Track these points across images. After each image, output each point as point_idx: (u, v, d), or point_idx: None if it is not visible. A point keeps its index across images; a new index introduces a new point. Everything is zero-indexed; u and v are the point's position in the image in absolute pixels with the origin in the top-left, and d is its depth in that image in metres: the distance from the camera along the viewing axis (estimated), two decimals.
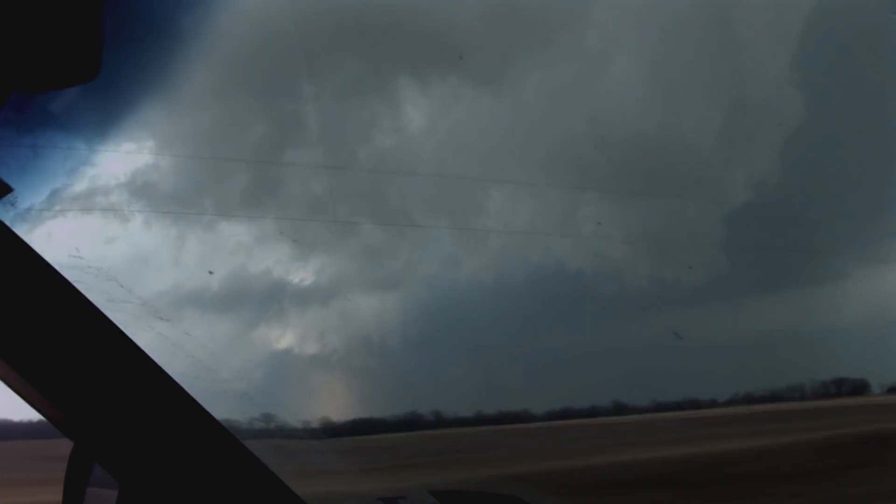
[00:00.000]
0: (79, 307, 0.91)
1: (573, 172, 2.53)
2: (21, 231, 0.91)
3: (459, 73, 2.19)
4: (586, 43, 2.46)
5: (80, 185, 1.28)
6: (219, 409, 1.00)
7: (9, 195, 0.96)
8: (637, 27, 2.39)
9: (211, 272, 2.21)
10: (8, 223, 0.91)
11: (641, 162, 2.52)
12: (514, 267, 2.66)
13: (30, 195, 1.05)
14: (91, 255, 1.09)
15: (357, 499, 1.45)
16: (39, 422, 0.93)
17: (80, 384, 0.90)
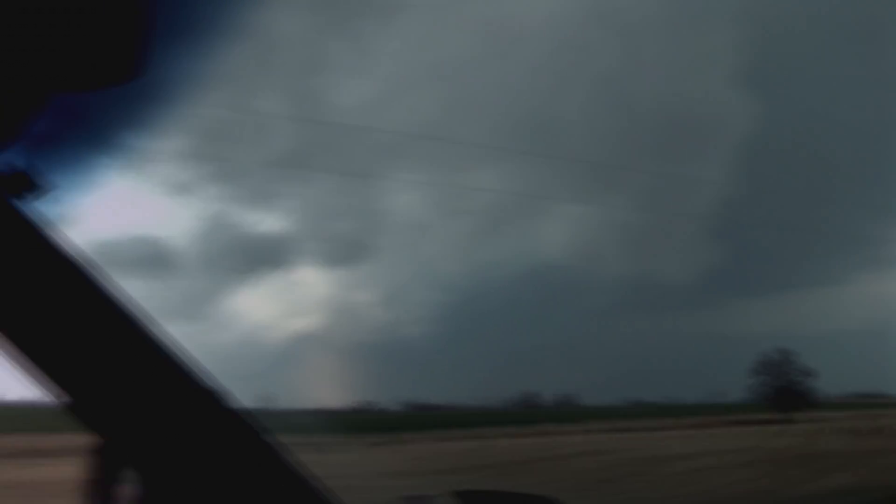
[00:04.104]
0: (112, 303, 0.93)
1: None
2: (61, 228, 0.94)
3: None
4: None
5: (120, 185, 1.31)
6: (248, 401, 1.01)
7: (50, 193, 0.98)
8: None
9: (239, 271, 2.24)
10: (49, 220, 0.94)
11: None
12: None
13: (70, 193, 1.08)
14: (127, 252, 1.11)
15: (383, 498, 1.45)
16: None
17: (108, 380, 0.92)
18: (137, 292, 0.95)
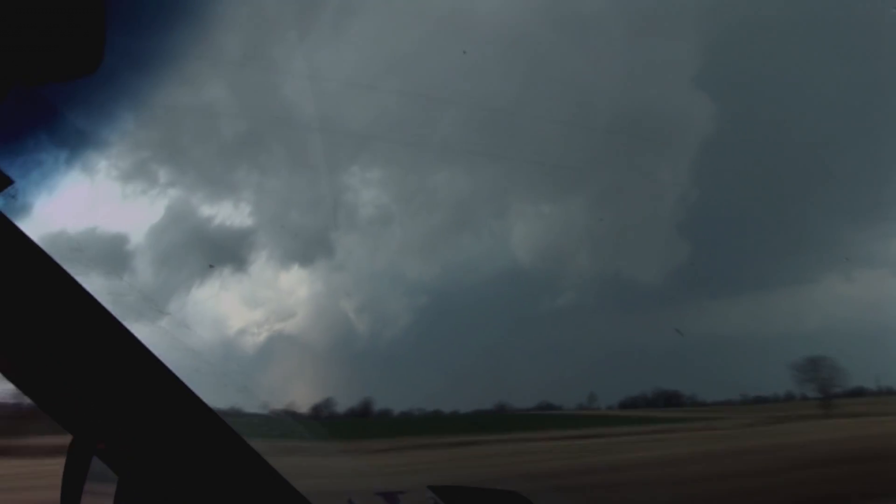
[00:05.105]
0: (78, 300, 0.91)
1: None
2: (21, 223, 0.91)
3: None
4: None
5: (81, 178, 1.28)
6: (217, 401, 1.00)
7: (9, 187, 0.95)
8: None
9: (211, 265, 2.21)
10: (8, 215, 0.91)
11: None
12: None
13: (30, 187, 1.05)
14: (91, 248, 1.08)
15: (356, 493, 1.45)
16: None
17: (80, 377, 0.90)
18: (98, 290, 0.93)
